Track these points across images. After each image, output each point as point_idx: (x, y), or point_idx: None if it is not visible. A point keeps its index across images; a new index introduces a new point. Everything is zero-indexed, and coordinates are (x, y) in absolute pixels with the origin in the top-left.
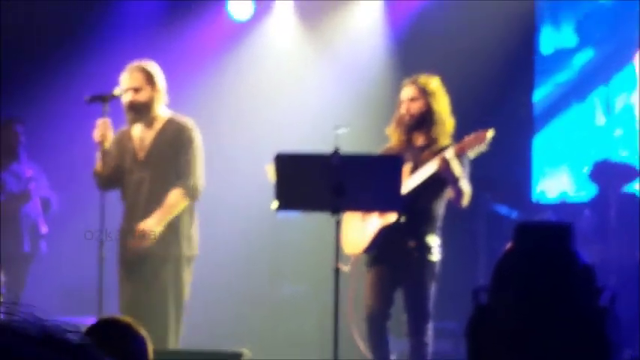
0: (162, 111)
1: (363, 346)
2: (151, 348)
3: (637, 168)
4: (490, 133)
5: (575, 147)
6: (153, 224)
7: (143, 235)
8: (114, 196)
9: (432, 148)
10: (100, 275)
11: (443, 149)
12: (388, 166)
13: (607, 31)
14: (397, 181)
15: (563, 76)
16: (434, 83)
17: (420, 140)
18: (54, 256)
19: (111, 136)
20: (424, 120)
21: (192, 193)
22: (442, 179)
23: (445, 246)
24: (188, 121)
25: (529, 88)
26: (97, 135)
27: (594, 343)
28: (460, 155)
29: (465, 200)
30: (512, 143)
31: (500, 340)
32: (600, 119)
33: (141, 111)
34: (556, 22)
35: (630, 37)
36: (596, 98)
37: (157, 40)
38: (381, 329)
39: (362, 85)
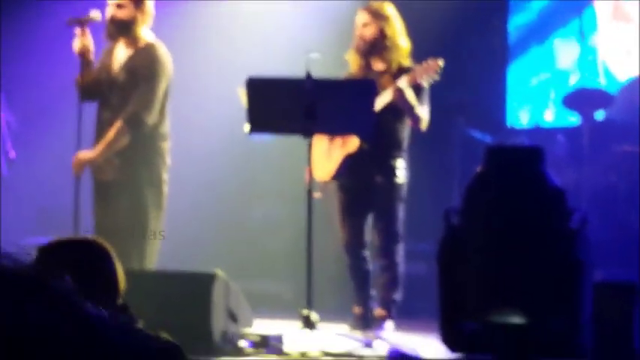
0: (145, 33)
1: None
2: (119, 266)
3: (611, 95)
4: (440, 63)
5: (552, 69)
6: (91, 155)
7: (80, 163)
8: (89, 118)
9: (390, 72)
10: (76, 197)
11: (401, 72)
12: (361, 89)
13: None
14: (370, 105)
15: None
16: (386, 8)
17: (378, 65)
18: (29, 179)
19: (91, 47)
20: (377, 45)
21: (132, 126)
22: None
23: (420, 170)
24: (162, 53)
25: (504, 14)
26: (75, 45)
27: (565, 263)
28: (413, 84)
29: (423, 125)
30: (487, 69)
31: (471, 260)
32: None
33: (120, 28)
34: None
35: None
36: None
37: None
38: (358, 258)
39: (332, 10)
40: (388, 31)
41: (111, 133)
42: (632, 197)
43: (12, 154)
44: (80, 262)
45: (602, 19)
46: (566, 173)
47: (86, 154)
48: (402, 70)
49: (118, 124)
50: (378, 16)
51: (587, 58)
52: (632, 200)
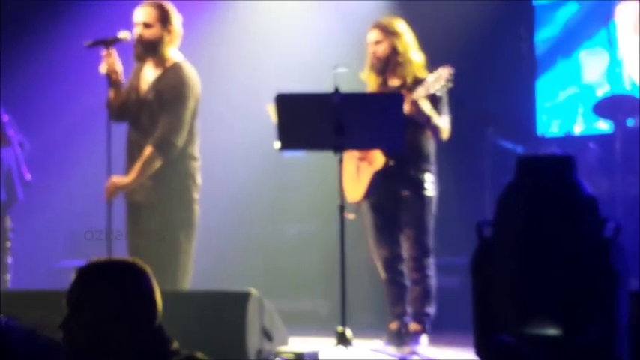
0: (174, 53)
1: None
2: (157, 287)
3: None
4: (450, 70)
5: (578, 83)
6: (125, 181)
7: (114, 188)
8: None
9: (407, 87)
10: (109, 220)
11: (417, 85)
12: (390, 103)
13: None
14: (399, 119)
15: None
16: (397, 24)
17: (394, 81)
18: (61, 203)
19: (118, 68)
20: (391, 61)
21: (163, 151)
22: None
23: (451, 182)
24: (190, 74)
25: (531, 26)
26: (102, 67)
27: (599, 272)
28: (428, 95)
29: (444, 135)
30: (516, 79)
31: (505, 272)
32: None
33: (148, 48)
34: None
35: None
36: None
37: None
38: (396, 272)
39: (360, 25)
40: (400, 47)
41: (142, 160)
42: None
43: (27, 176)
44: (119, 283)
45: (623, 32)
46: (598, 181)
47: (120, 179)
48: (418, 84)
49: (148, 150)
50: (388, 32)
51: (615, 69)
52: None
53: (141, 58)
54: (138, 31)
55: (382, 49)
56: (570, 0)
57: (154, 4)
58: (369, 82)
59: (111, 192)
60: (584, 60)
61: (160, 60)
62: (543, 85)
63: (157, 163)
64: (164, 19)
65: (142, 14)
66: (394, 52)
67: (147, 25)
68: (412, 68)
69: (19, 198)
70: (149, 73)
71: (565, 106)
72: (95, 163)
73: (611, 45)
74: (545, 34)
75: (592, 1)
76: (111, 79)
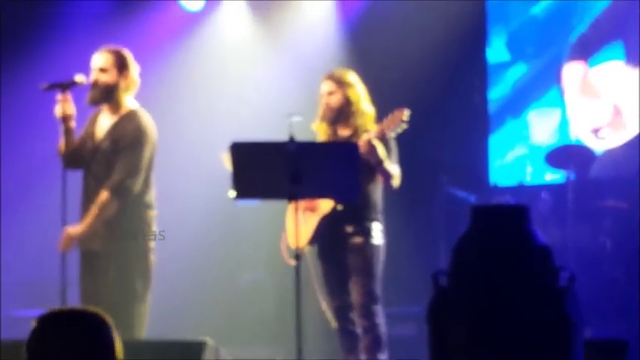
0: (130, 101)
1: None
2: (117, 337)
3: (593, 152)
4: (406, 112)
5: (527, 143)
6: (79, 230)
7: (69, 238)
8: (74, 187)
9: (357, 137)
10: (63, 269)
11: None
12: (345, 152)
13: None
14: (354, 167)
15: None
16: (349, 76)
17: (345, 131)
18: (15, 251)
19: (72, 112)
20: (343, 111)
21: (119, 195)
22: (371, 164)
23: (404, 230)
24: (146, 123)
25: (484, 82)
26: (57, 111)
27: (555, 322)
28: (381, 138)
29: (395, 182)
30: (470, 129)
31: (461, 321)
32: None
33: (103, 93)
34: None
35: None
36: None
37: (110, 31)
38: (347, 321)
39: (313, 75)
40: (352, 98)
41: (97, 204)
42: (618, 253)
43: None
44: (82, 334)
45: (570, 93)
46: (551, 230)
47: (74, 229)
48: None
49: (103, 195)
50: (341, 83)
51: (565, 128)
52: (618, 256)
53: (95, 103)
54: (94, 75)
55: (335, 100)
56: (520, 61)
57: (112, 50)
58: (319, 132)
59: (65, 243)
60: (533, 120)
61: (115, 107)
62: (493, 143)
63: (113, 208)
64: (121, 65)
65: (99, 59)
66: (347, 103)
67: (103, 70)
68: (363, 119)
69: None
70: (105, 121)
71: (514, 167)
72: (50, 210)
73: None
74: (496, 93)
75: (540, 62)
76: (65, 124)
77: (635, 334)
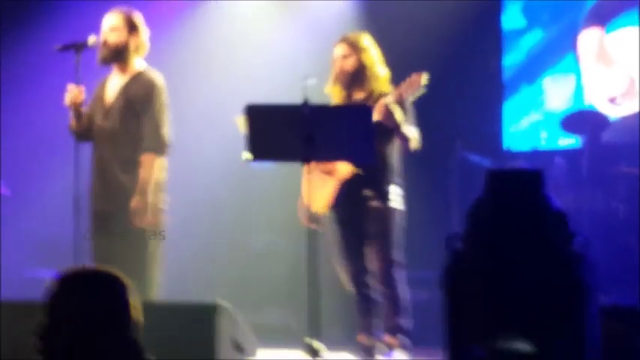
0: (137, 62)
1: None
2: (134, 298)
3: (608, 118)
4: (424, 77)
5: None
6: (140, 200)
7: (138, 211)
8: (87, 152)
9: (372, 100)
10: (76, 230)
11: (380, 98)
12: (359, 115)
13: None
14: (369, 130)
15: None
16: (363, 39)
17: (359, 94)
18: (30, 213)
19: (82, 99)
20: (358, 75)
21: (161, 150)
22: (389, 128)
23: (419, 196)
24: (157, 78)
25: (498, 50)
26: (67, 100)
27: (569, 287)
28: (399, 101)
29: (413, 144)
30: (483, 97)
31: (475, 286)
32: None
33: (113, 52)
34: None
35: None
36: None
37: None
38: (364, 287)
39: (328, 39)
40: (367, 62)
41: (145, 169)
42: (632, 219)
43: (6, 191)
44: (97, 293)
45: (585, 60)
46: (565, 195)
47: (136, 201)
48: (381, 96)
49: (146, 158)
50: (356, 47)
51: (580, 94)
52: (632, 222)
53: (106, 62)
54: (104, 35)
55: (349, 64)
56: (535, 27)
57: (122, 10)
58: (333, 95)
59: (140, 218)
60: (548, 86)
61: (125, 67)
62: (508, 110)
63: (160, 166)
64: (130, 25)
65: (109, 19)
66: (361, 67)
67: (113, 29)
68: (377, 83)
69: None
70: (115, 82)
71: (528, 132)
72: (63, 173)
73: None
74: (511, 60)
75: (556, 29)
76: (74, 111)
77: None
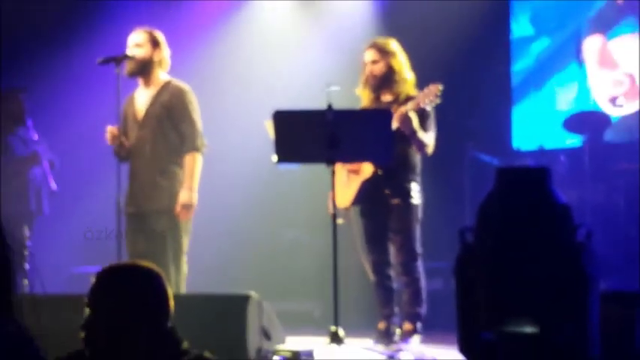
0: (161, 75)
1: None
2: (169, 290)
3: (609, 117)
4: (439, 87)
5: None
6: (188, 195)
7: (187, 206)
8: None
9: (398, 102)
10: (118, 229)
11: (408, 102)
12: (379, 119)
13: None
14: (387, 133)
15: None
16: (392, 44)
17: (387, 97)
18: (78, 214)
19: (120, 138)
20: (387, 79)
21: (199, 148)
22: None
23: (433, 192)
24: (184, 85)
25: (508, 56)
26: (108, 139)
27: (573, 275)
28: (417, 110)
29: (428, 150)
30: (494, 100)
31: (486, 275)
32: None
33: (139, 65)
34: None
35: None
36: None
37: (162, 9)
38: (384, 276)
39: (350, 49)
40: (395, 66)
41: (190, 168)
42: (632, 212)
43: (53, 186)
44: (138, 287)
45: (590, 65)
46: (569, 190)
47: (185, 197)
48: (408, 100)
49: (190, 158)
50: (385, 52)
51: (584, 97)
52: (632, 215)
53: (133, 75)
54: (131, 50)
55: (379, 68)
56: (543, 35)
57: (145, 29)
58: (363, 97)
59: (185, 213)
60: (555, 90)
61: (150, 81)
62: (516, 112)
63: (200, 163)
64: (154, 42)
65: (134, 37)
66: (390, 71)
67: (138, 45)
68: (405, 86)
69: (45, 212)
70: (142, 96)
71: (535, 132)
72: (105, 176)
73: (580, 70)
74: (521, 65)
75: (562, 36)
76: (115, 147)
77: None
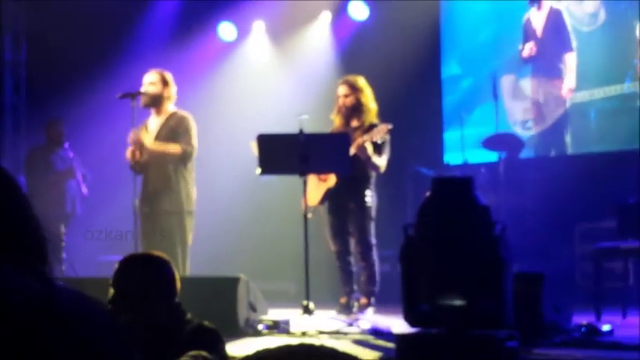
0: (169, 106)
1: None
2: (177, 273)
3: (520, 138)
4: (389, 126)
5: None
6: (149, 142)
7: (139, 145)
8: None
9: (363, 128)
10: (135, 226)
11: (371, 127)
12: (339, 141)
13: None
14: (346, 152)
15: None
16: (360, 81)
17: (355, 123)
18: (100, 214)
19: (141, 137)
20: (355, 110)
21: (185, 154)
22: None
23: (385, 197)
24: (186, 113)
25: (439, 91)
26: (130, 138)
27: (491, 260)
28: (372, 141)
29: (381, 170)
30: (429, 124)
31: (424, 260)
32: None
33: (151, 99)
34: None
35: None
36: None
37: (169, 53)
38: (345, 262)
39: (316, 84)
40: (363, 100)
41: (168, 146)
42: (536, 211)
43: (85, 191)
44: (151, 270)
45: (506, 97)
46: (488, 196)
47: (147, 141)
48: (372, 126)
49: (177, 146)
50: (354, 88)
51: (501, 121)
52: (536, 213)
53: (146, 106)
54: (145, 87)
55: (349, 101)
56: (468, 75)
57: (157, 70)
58: (335, 122)
59: (135, 139)
60: (478, 117)
61: (160, 111)
62: (447, 135)
63: (173, 154)
64: (164, 81)
65: (149, 76)
66: (358, 103)
67: (152, 84)
68: (369, 115)
69: (78, 214)
70: (153, 122)
71: (461, 151)
72: (124, 185)
73: (497, 101)
74: (450, 99)
75: (483, 75)
76: (134, 145)
77: (549, 268)
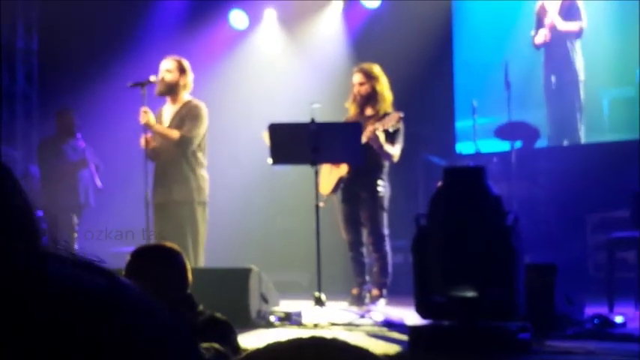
0: (185, 95)
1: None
2: (188, 265)
3: (534, 127)
4: (401, 115)
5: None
6: (151, 121)
7: (146, 125)
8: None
9: (377, 117)
10: (147, 217)
11: (385, 116)
12: (350, 130)
13: None
14: (358, 141)
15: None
16: (376, 69)
17: (369, 111)
18: (112, 206)
19: (152, 118)
20: (370, 98)
21: (183, 141)
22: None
23: (396, 187)
24: (200, 102)
25: (451, 80)
26: (141, 119)
27: (503, 250)
28: (384, 130)
29: (394, 159)
30: (442, 113)
31: (435, 251)
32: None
33: (167, 87)
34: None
35: None
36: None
37: (180, 41)
38: (358, 253)
39: (328, 72)
40: (378, 88)
41: (169, 130)
42: (549, 202)
43: (99, 184)
44: (163, 261)
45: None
46: (499, 185)
47: (150, 120)
48: (386, 115)
49: (176, 132)
50: (370, 76)
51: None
52: (549, 204)
53: (162, 95)
54: (161, 75)
55: (364, 89)
56: (480, 64)
57: (174, 58)
58: (350, 110)
59: (145, 117)
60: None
61: (176, 99)
62: (459, 123)
63: (172, 139)
64: (181, 69)
65: (165, 63)
66: (373, 92)
67: (168, 71)
68: (384, 104)
69: (91, 204)
70: (168, 110)
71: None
72: (136, 176)
73: (509, 89)
74: (463, 87)
75: (496, 64)
76: (146, 128)
77: (562, 259)
